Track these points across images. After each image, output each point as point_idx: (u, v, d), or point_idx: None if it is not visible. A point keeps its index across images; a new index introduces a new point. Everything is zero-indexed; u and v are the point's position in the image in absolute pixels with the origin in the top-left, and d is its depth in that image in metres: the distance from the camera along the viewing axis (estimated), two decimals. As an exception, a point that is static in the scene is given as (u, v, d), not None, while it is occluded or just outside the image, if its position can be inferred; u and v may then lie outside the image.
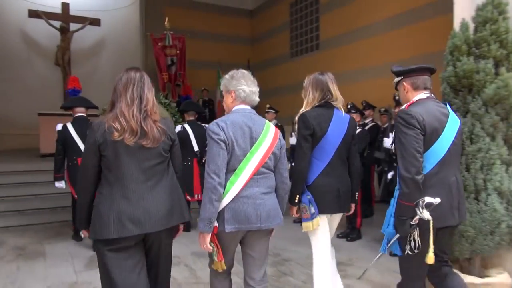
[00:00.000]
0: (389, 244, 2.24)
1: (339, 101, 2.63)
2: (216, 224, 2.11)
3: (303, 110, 2.62)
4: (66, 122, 4.65)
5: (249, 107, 2.30)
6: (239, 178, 2.14)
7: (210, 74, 10.93)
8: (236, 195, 2.13)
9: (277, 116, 6.67)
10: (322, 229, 2.58)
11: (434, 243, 2.10)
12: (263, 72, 12.05)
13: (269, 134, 2.25)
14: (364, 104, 6.11)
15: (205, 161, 5.35)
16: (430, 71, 2.37)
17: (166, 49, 9.47)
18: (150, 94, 2.13)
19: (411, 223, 2.12)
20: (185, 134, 5.16)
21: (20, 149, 9.08)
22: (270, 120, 6.58)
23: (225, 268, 2.22)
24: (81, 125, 4.55)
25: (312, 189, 2.54)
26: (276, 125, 6.54)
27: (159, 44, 9.46)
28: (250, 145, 2.18)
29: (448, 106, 2.35)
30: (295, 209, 2.61)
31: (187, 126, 5.28)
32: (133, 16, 11.84)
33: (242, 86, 2.28)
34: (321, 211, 2.53)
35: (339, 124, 2.58)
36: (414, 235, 2.13)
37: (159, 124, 2.10)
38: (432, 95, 2.34)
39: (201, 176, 5.02)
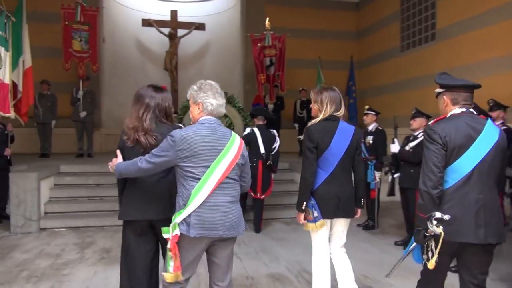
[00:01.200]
0: (409, 251, 2.39)
1: (343, 113, 2.87)
2: (178, 231, 2.18)
3: (313, 122, 2.85)
4: None
5: (214, 118, 2.37)
6: (204, 186, 2.22)
7: (309, 73, 10.36)
8: (203, 202, 2.21)
9: (377, 118, 5.82)
10: (322, 230, 2.85)
11: (446, 255, 2.22)
12: (367, 68, 11.04)
13: (234, 145, 2.35)
14: (491, 104, 5.06)
15: (269, 164, 5.44)
16: (475, 88, 2.35)
17: (265, 50, 9.19)
18: (162, 102, 2.51)
19: (425, 234, 2.21)
20: (253, 137, 5.48)
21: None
22: (369, 123, 5.79)
23: (180, 279, 2.25)
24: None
25: (315, 195, 2.80)
26: (377, 129, 5.71)
27: (259, 44, 9.23)
28: (215, 155, 2.27)
29: (489, 121, 2.30)
30: (302, 215, 2.84)
31: (255, 129, 5.56)
32: (235, 18, 11.91)
33: (210, 99, 2.34)
34: (324, 215, 2.79)
35: (343, 136, 2.79)
36: (431, 246, 2.23)
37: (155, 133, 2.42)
38: (471, 109, 2.33)
39: (263, 177, 5.52)
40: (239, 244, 4.87)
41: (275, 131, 5.71)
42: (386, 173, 5.12)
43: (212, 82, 2.39)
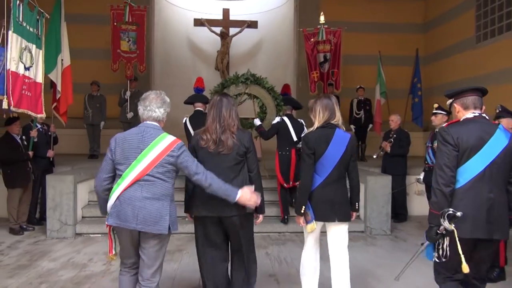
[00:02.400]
0: (421, 249, 2.55)
1: (340, 121, 2.98)
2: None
3: (311, 129, 3.00)
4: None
5: (150, 122, 2.62)
6: (123, 181, 2.48)
7: (368, 70, 9.48)
8: (119, 195, 2.47)
9: (449, 118, 4.92)
10: (315, 233, 3.03)
11: (463, 253, 2.29)
12: (435, 64, 9.87)
13: (158, 147, 2.51)
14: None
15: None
16: (481, 92, 2.52)
17: (318, 45, 8.49)
18: (226, 112, 2.81)
19: (438, 231, 2.35)
20: (284, 126, 5.47)
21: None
22: (438, 125, 4.92)
23: (113, 259, 2.73)
24: (198, 117, 5.26)
25: (310, 199, 2.93)
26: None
27: (312, 39, 8.55)
28: (137, 154, 2.49)
29: (500, 126, 2.43)
30: (301, 218, 2.97)
31: (285, 118, 5.54)
32: (288, 14, 11.34)
33: (140, 107, 2.68)
34: (317, 218, 2.93)
35: (338, 143, 2.91)
36: (442, 244, 2.38)
37: (234, 135, 2.79)
38: (484, 114, 2.47)
39: (296, 165, 5.31)
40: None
41: (302, 121, 5.68)
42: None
43: (150, 93, 2.70)
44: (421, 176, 5.28)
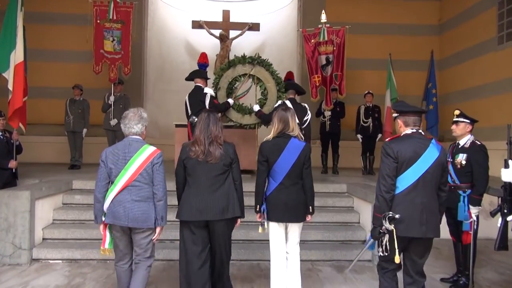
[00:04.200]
0: (368, 245, 3.20)
1: (295, 131, 3.36)
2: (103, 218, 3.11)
3: (267, 138, 3.38)
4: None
5: (132, 136, 3.12)
6: (115, 187, 3.03)
7: (377, 75, 8.70)
8: (113, 199, 3.03)
9: (473, 127, 4.09)
10: (275, 232, 3.38)
11: (399, 248, 2.75)
12: (452, 68, 9.02)
13: (140, 157, 3.03)
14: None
15: (304, 133, 5.23)
16: (422, 113, 3.05)
17: (320, 46, 7.66)
18: (213, 126, 3.21)
19: (380, 230, 2.77)
20: None
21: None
22: (460, 135, 4.08)
23: (106, 254, 3.22)
24: (196, 94, 5.64)
25: (267, 201, 3.34)
26: (473, 144, 3.97)
27: (312, 41, 7.73)
28: (124, 164, 3.02)
29: (432, 141, 2.87)
30: (258, 215, 3.41)
31: (287, 102, 5.51)
32: (292, 16, 10.62)
33: (121, 124, 3.19)
34: (272, 219, 3.34)
35: (291, 152, 3.28)
36: (384, 242, 2.80)
37: (221, 147, 3.19)
38: (420, 130, 2.93)
39: None
40: None
41: (306, 105, 5.79)
42: (493, 214, 3.37)
43: (130, 111, 3.17)
44: (440, 197, 4.41)
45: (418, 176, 2.76)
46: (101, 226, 3.14)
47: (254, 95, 6.30)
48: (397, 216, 2.68)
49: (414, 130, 2.90)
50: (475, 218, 3.84)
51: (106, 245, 3.16)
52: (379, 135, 7.77)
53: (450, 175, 4.08)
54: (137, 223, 2.98)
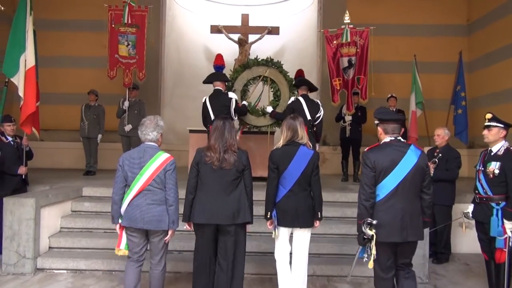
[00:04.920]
0: (358, 251, 3.10)
1: (304, 139, 3.41)
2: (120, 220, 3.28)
3: (277, 146, 3.47)
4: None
5: (148, 143, 3.29)
6: (131, 191, 3.21)
7: (401, 78, 8.30)
8: (129, 202, 3.21)
9: (507, 133, 3.69)
10: (282, 237, 3.46)
11: (387, 252, 2.95)
12: (482, 70, 8.50)
13: (155, 163, 3.21)
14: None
15: (315, 130, 5.73)
16: (401, 121, 3.17)
17: (342, 48, 7.32)
18: (228, 134, 3.30)
19: (364, 237, 2.87)
20: (299, 105, 5.59)
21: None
22: (492, 140, 3.69)
23: (121, 254, 3.32)
24: (217, 96, 5.55)
25: (277, 208, 3.39)
26: (508, 151, 3.58)
27: (334, 42, 7.40)
28: (139, 169, 3.19)
29: (411, 147, 3.00)
30: (269, 222, 3.45)
31: (300, 98, 5.67)
32: (312, 19, 10.33)
33: (139, 131, 3.35)
34: (282, 224, 3.40)
35: (301, 159, 3.34)
36: (369, 247, 2.91)
37: (235, 154, 3.28)
38: (399, 138, 3.05)
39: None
40: None
41: (319, 101, 5.87)
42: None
43: (146, 119, 3.36)
44: (470, 210, 3.93)
45: (397, 183, 2.89)
46: (117, 226, 3.30)
47: (267, 96, 6.32)
48: (374, 222, 2.82)
49: (393, 138, 3.03)
50: (510, 234, 3.43)
51: (122, 246, 3.30)
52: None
53: (482, 186, 3.69)
54: (152, 225, 3.17)
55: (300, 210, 3.33)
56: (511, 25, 7.56)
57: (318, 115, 5.67)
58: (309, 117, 5.51)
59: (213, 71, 10.37)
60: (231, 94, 5.71)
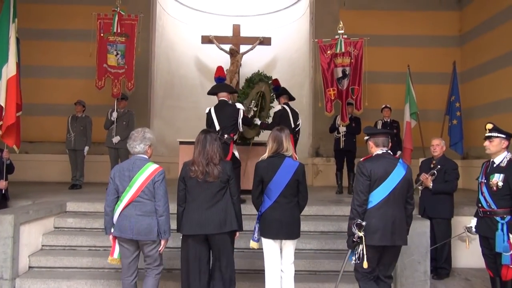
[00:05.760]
0: (348, 254, 3.27)
1: (289, 151, 3.48)
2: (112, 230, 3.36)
3: (262, 157, 3.52)
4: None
5: (137, 155, 3.40)
6: (121, 202, 3.29)
7: (395, 89, 8.21)
8: (120, 213, 3.29)
9: (510, 143, 3.56)
10: (269, 249, 3.46)
11: (373, 256, 3.16)
12: (476, 80, 8.45)
13: (143, 174, 3.28)
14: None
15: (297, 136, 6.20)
16: (389, 134, 3.46)
17: (336, 58, 7.22)
18: (210, 147, 3.37)
19: (353, 239, 3.10)
20: (285, 112, 5.97)
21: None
22: (494, 152, 3.55)
23: (114, 263, 3.44)
24: (223, 107, 5.50)
25: (262, 219, 3.46)
26: (511, 162, 3.46)
27: (328, 52, 7.31)
28: (129, 181, 3.27)
29: (400, 161, 3.27)
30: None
31: (285, 106, 6.05)
32: (304, 29, 10.26)
33: (127, 144, 3.45)
34: (267, 235, 3.44)
35: (286, 171, 3.40)
36: (358, 250, 3.12)
37: (218, 166, 3.35)
38: (389, 151, 3.34)
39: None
40: None
41: (297, 110, 6.24)
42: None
43: (134, 132, 3.45)
44: (473, 224, 3.76)
45: (389, 191, 3.13)
46: (111, 237, 3.38)
47: (252, 108, 6.41)
48: (363, 223, 3.05)
49: (384, 151, 3.29)
50: (517, 250, 3.28)
51: (115, 255, 3.40)
52: (399, 152, 7.19)
53: (485, 199, 3.54)
54: (141, 236, 3.24)
55: (285, 221, 3.38)
56: (503, 36, 7.54)
57: (298, 122, 6.14)
58: (293, 125, 5.91)
59: (207, 82, 10.29)
60: (238, 105, 5.67)
